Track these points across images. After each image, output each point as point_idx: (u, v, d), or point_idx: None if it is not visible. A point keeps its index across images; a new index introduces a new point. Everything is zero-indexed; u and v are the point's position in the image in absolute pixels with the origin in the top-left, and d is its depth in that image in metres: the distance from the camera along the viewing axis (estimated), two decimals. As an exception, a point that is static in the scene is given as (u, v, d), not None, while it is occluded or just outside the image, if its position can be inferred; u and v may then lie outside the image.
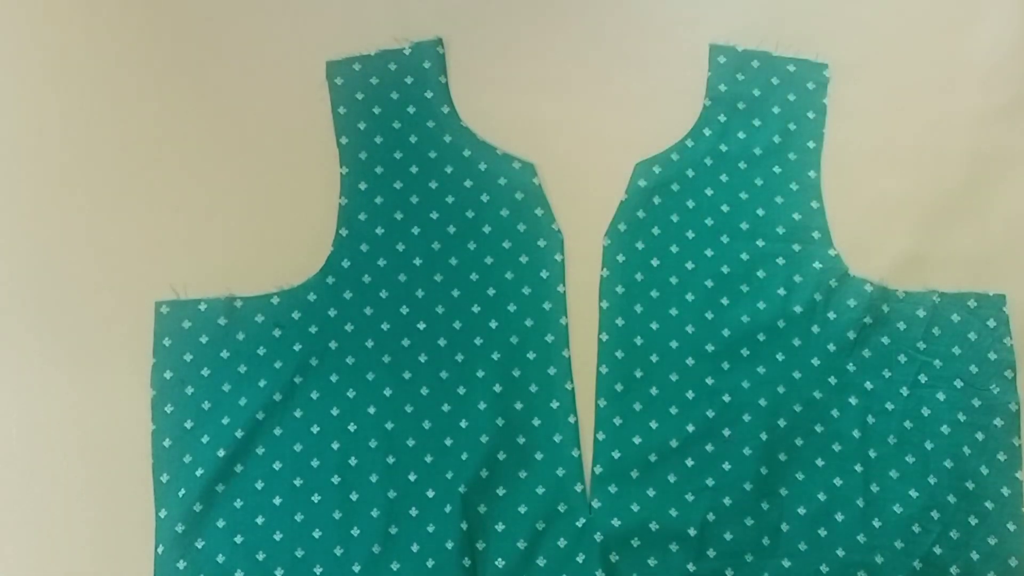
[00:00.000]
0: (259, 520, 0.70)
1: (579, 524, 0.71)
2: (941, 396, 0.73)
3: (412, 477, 0.71)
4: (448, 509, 0.70)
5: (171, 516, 0.69)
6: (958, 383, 0.73)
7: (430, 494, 0.71)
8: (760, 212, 0.76)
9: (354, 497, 0.70)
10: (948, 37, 0.80)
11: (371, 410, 0.72)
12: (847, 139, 0.78)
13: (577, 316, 0.74)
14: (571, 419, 0.72)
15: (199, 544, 0.69)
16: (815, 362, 0.73)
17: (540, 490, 0.71)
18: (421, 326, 0.73)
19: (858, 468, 0.72)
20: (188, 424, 0.70)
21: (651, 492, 0.71)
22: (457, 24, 0.79)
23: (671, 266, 0.75)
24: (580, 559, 0.70)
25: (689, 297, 0.74)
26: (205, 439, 0.70)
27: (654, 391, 0.73)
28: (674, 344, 0.74)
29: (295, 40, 0.78)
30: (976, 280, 0.76)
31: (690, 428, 0.72)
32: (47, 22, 0.78)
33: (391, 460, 0.71)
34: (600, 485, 0.71)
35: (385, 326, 0.73)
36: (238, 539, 0.69)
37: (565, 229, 0.75)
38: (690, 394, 0.73)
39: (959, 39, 0.80)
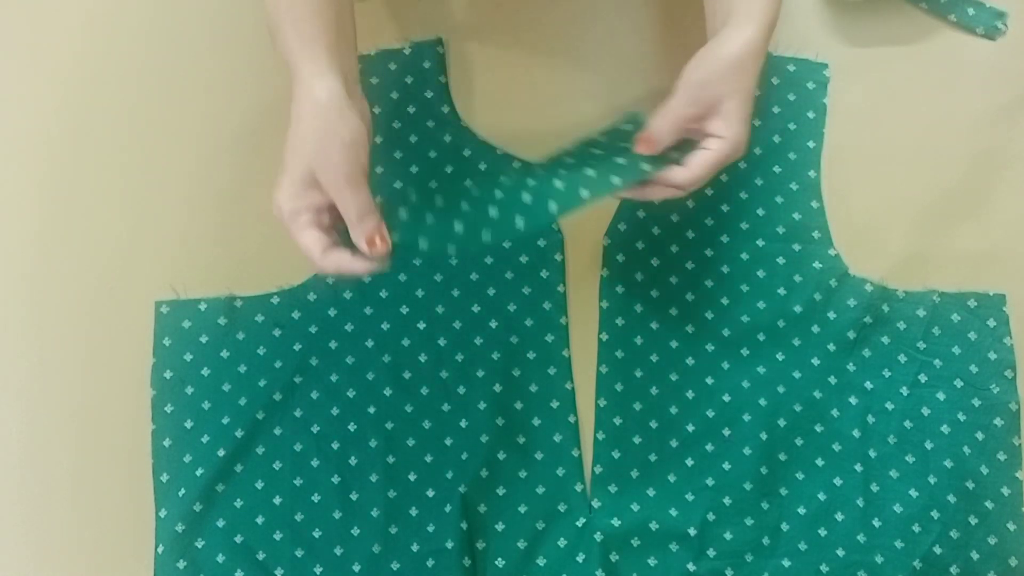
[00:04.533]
0: (259, 520, 0.70)
1: (579, 524, 0.71)
2: (941, 396, 0.73)
3: (412, 477, 0.71)
4: (448, 509, 0.70)
5: (171, 516, 0.69)
6: (958, 383, 0.73)
7: (430, 494, 0.71)
8: (760, 212, 0.76)
9: (354, 497, 0.70)
10: (948, 37, 0.80)
11: (371, 410, 0.72)
12: (847, 139, 0.78)
13: (577, 316, 0.74)
14: (571, 419, 0.72)
15: (199, 544, 0.69)
16: (815, 362, 0.73)
17: (540, 490, 0.71)
18: (421, 326, 0.73)
19: (858, 468, 0.72)
20: (188, 424, 0.70)
21: (651, 492, 0.71)
22: (457, 24, 0.79)
23: (671, 266, 0.75)
24: (580, 559, 0.70)
25: (689, 297, 0.74)
26: (205, 439, 0.70)
27: (654, 391, 0.73)
28: (674, 344, 0.74)
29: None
30: (976, 280, 0.76)
31: (690, 428, 0.72)
32: (47, 22, 0.78)
33: (391, 460, 0.71)
34: (600, 485, 0.72)
35: (385, 326, 0.73)
36: (238, 539, 0.69)
37: (565, 229, 0.75)
38: (690, 394, 0.73)
39: (959, 39, 0.80)
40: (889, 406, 0.73)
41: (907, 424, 0.73)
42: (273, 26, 0.59)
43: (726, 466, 0.72)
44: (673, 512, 0.71)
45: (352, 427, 0.71)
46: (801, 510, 0.71)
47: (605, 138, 0.65)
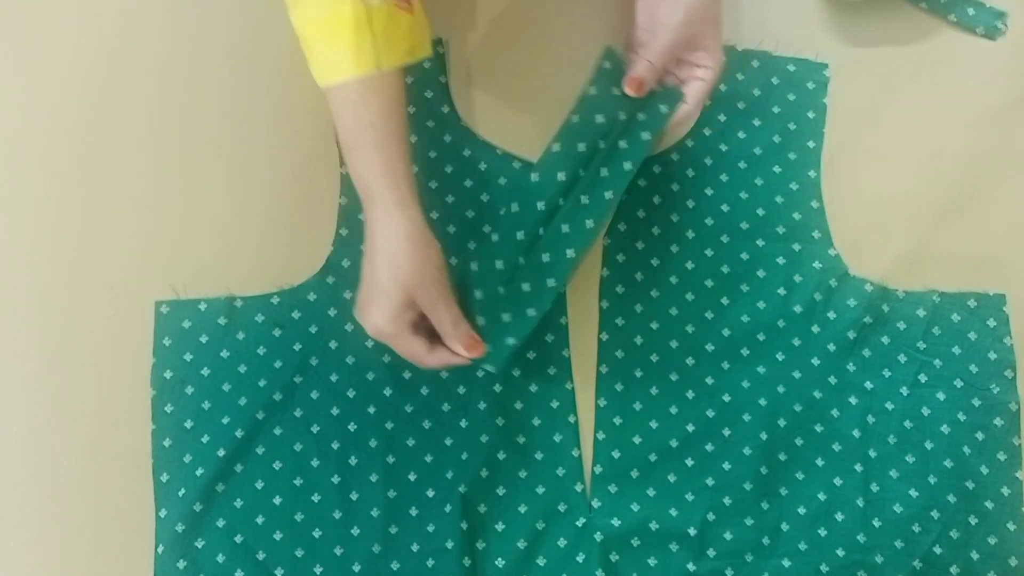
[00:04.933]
0: (259, 520, 0.70)
1: (579, 524, 0.71)
2: (941, 396, 0.73)
3: (412, 477, 0.71)
4: (448, 509, 0.70)
5: (171, 516, 0.69)
6: (958, 383, 0.73)
7: (430, 494, 0.71)
8: (760, 212, 0.76)
9: (354, 497, 0.70)
10: (948, 37, 0.80)
11: (371, 410, 0.72)
12: (847, 139, 0.78)
13: (577, 316, 0.74)
14: (571, 419, 0.72)
15: (199, 544, 0.69)
16: (815, 362, 0.73)
17: (540, 490, 0.71)
18: (421, 326, 0.73)
19: (858, 468, 0.72)
20: (188, 424, 0.70)
21: (651, 492, 0.72)
22: (457, 24, 0.79)
23: (671, 266, 0.75)
24: (580, 559, 0.70)
25: (689, 297, 0.74)
26: (205, 439, 0.70)
27: (654, 391, 0.73)
28: (674, 344, 0.74)
29: (295, 40, 0.78)
30: (976, 280, 0.76)
31: (690, 428, 0.72)
32: (47, 21, 0.78)
33: (391, 460, 0.71)
34: (600, 485, 0.72)
35: (385, 326, 0.73)
36: (238, 539, 0.69)
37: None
38: (690, 394, 0.73)
39: (959, 39, 0.81)
40: (889, 406, 0.73)
41: (907, 424, 0.73)
42: (349, 145, 0.62)
43: (726, 466, 0.72)
44: (673, 512, 0.71)
45: (352, 427, 0.71)
46: (801, 510, 0.71)
47: (595, 90, 0.68)
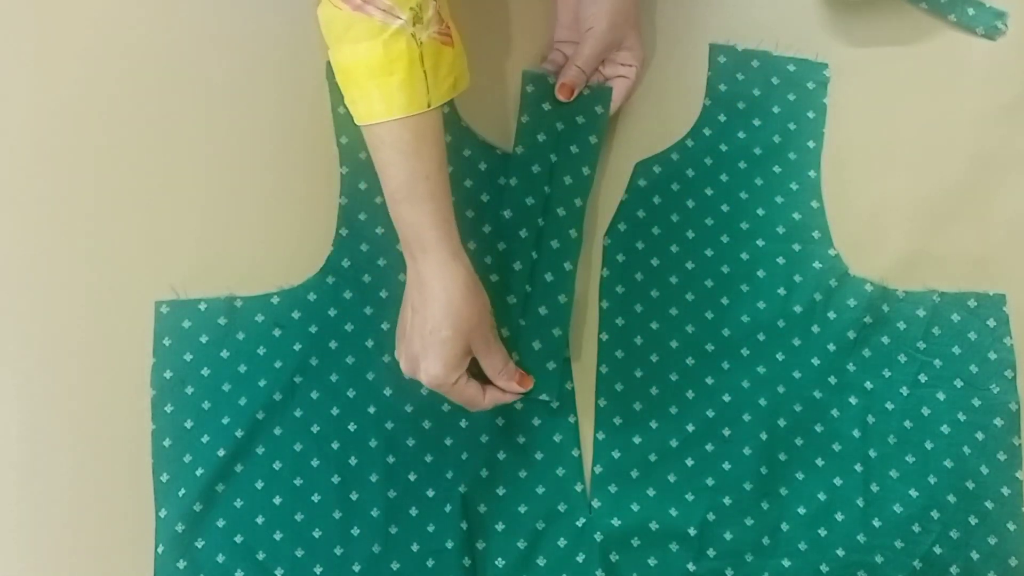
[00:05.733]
0: (259, 520, 0.70)
1: (579, 524, 0.71)
2: (941, 396, 0.73)
3: (412, 477, 0.71)
4: (448, 509, 0.70)
5: (171, 516, 0.69)
6: (958, 383, 0.73)
7: (430, 494, 0.71)
8: (760, 212, 0.76)
9: (354, 497, 0.70)
10: (948, 37, 0.80)
11: (371, 410, 0.72)
12: (847, 139, 0.78)
13: (577, 316, 0.74)
14: (571, 419, 0.72)
15: (199, 544, 0.69)
16: (815, 362, 0.73)
17: (540, 490, 0.71)
18: (421, 326, 0.73)
19: (858, 468, 0.72)
20: (188, 424, 0.70)
21: (651, 492, 0.72)
22: (457, 25, 0.79)
23: (671, 266, 0.75)
24: (580, 559, 0.70)
25: (689, 297, 0.74)
26: (205, 439, 0.70)
27: (654, 391, 0.73)
28: (674, 344, 0.74)
29: (295, 40, 0.78)
30: (976, 280, 0.76)
31: (690, 428, 0.72)
32: (46, 20, 0.78)
33: (391, 460, 0.71)
34: (600, 485, 0.72)
35: (385, 326, 0.73)
36: (238, 539, 0.69)
37: (565, 229, 0.75)
38: (690, 394, 0.73)
39: (959, 39, 0.80)
40: (889, 406, 0.73)
41: (907, 424, 0.73)
42: (401, 196, 0.62)
43: (726, 466, 0.72)
44: (673, 512, 0.71)
45: (352, 427, 0.71)
46: (801, 510, 0.71)
47: (527, 117, 0.73)
